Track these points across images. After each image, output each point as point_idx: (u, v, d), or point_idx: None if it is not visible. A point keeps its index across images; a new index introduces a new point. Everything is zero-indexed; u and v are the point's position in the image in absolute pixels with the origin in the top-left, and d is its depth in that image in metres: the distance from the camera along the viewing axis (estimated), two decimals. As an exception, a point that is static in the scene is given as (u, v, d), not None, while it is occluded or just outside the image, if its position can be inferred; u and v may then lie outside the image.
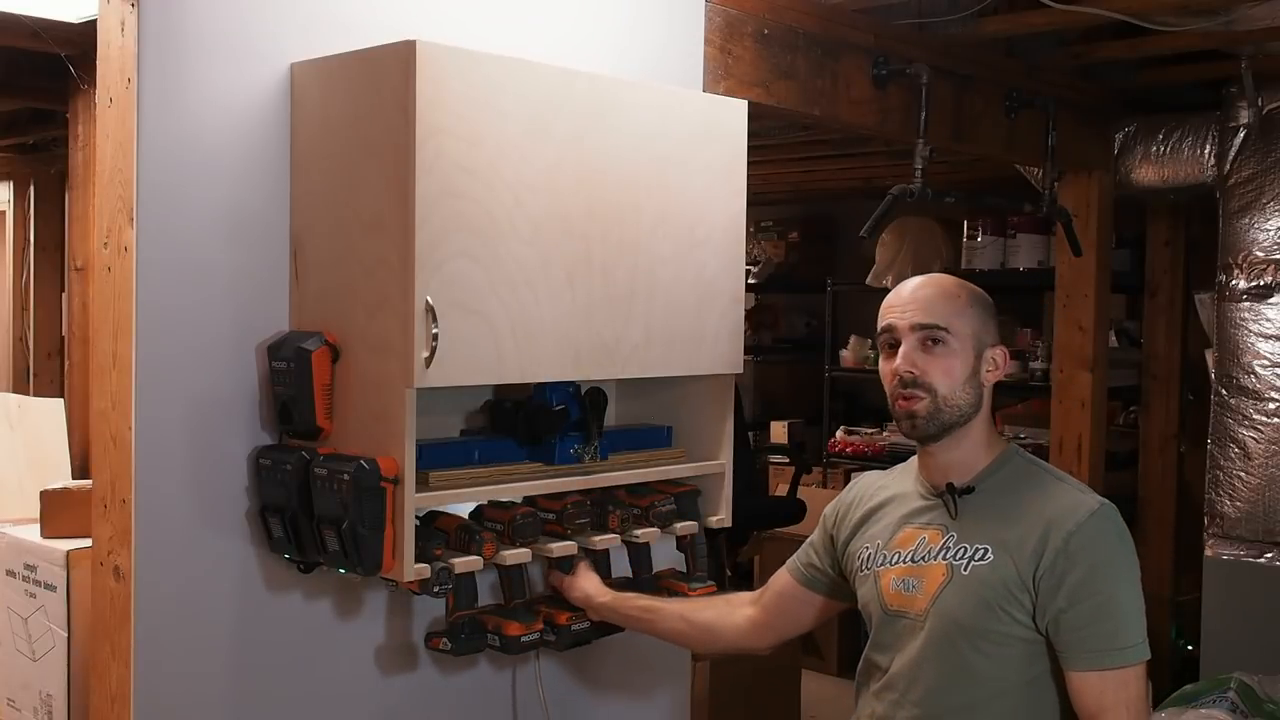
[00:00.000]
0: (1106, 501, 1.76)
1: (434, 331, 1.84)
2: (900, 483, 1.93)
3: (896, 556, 1.84)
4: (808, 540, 2.06)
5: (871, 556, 1.88)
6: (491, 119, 1.92)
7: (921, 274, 1.90)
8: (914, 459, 1.93)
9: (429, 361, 1.84)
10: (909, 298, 1.83)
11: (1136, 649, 1.69)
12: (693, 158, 2.23)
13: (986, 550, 1.75)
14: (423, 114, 1.83)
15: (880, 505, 1.93)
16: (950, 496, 1.81)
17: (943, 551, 1.79)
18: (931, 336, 1.79)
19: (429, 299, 1.84)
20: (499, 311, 1.94)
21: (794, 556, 2.06)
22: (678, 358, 2.24)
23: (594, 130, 2.07)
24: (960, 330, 1.80)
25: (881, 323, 1.85)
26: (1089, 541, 1.70)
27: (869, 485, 1.99)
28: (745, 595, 2.13)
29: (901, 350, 1.81)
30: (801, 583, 2.03)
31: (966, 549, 1.77)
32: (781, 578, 2.06)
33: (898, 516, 1.88)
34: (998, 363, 1.84)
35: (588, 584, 2.17)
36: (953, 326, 1.79)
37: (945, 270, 5.67)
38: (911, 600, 1.80)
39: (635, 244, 2.14)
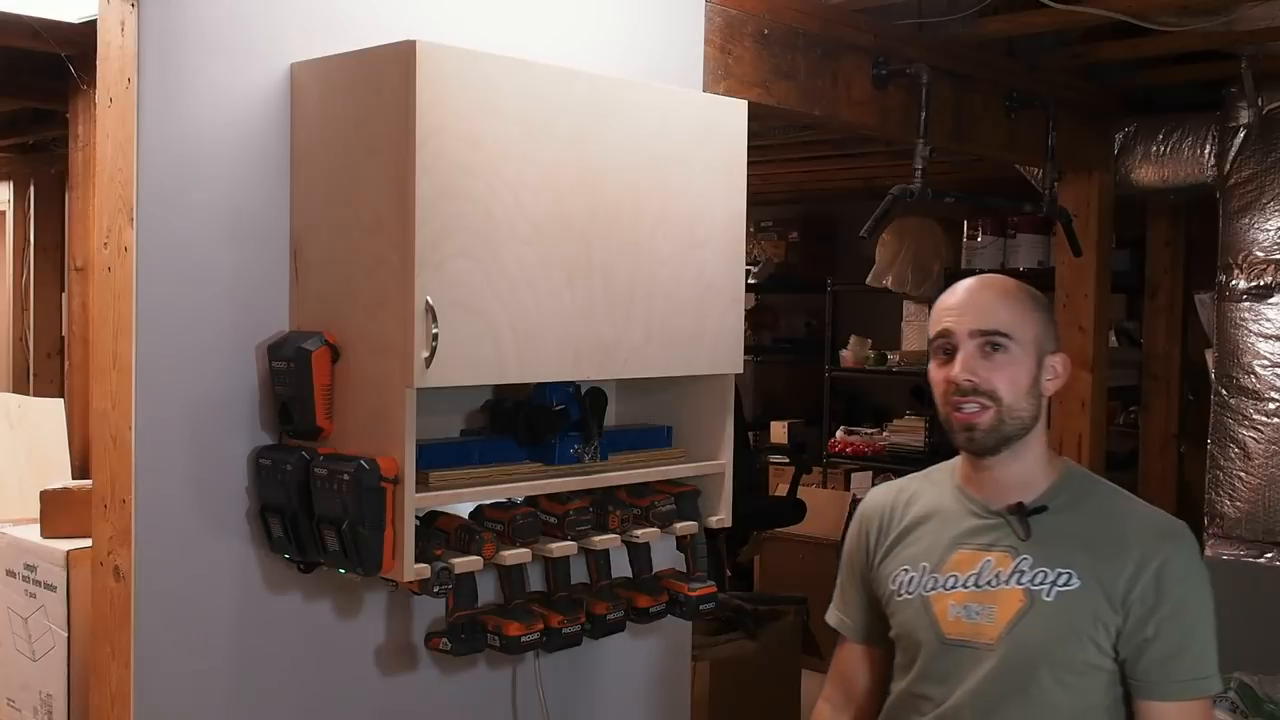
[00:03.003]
0: (1184, 523, 1.70)
1: (434, 331, 1.84)
2: (935, 497, 1.81)
3: (954, 580, 1.72)
4: (835, 600, 1.93)
5: (916, 580, 1.76)
6: (491, 119, 1.92)
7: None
8: (941, 468, 1.82)
9: (429, 361, 1.84)
10: (966, 300, 1.72)
11: (1213, 680, 1.65)
12: (693, 158, 2.23)
13: (1070, 575, 1.65)
14: (423, 114, 1.82)
15: (916, 523, 1.80)
16: (1020, 518, 1.70)
17: (1016, 576, 1.68)
18: (992, 342, 1.68)
19: (429, 299, 1.84)
20: (499, 311, 1.94)
21: (839, 620, 1.92)
22: (678, 358, 2.24)
23: (594, 130, 2.07)
24: (1023, 336, 1.69)
25: (935, 327, 1.73)
26: (1183, 571, 1.64)
27: (892, 502, 1.85)
28: (854, 685, 1.92)
29: (959, 357, 1.69)
30: (865, 643, 1.90)
31: (1046, 573, 1.66)
32: (850, 649, 1.92)
33: (947, 537, 1.75)
34: (1058, 370, 1.72)
35: None
36: (1015, 332, 1.68)
37: (945, 270, 5.68)
38: (978, 628, 1.69)
39: (635, 244, 2.14)
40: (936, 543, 1.77)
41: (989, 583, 1.70)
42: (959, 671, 1.70)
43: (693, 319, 2.24)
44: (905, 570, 1.78)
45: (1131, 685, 1.65)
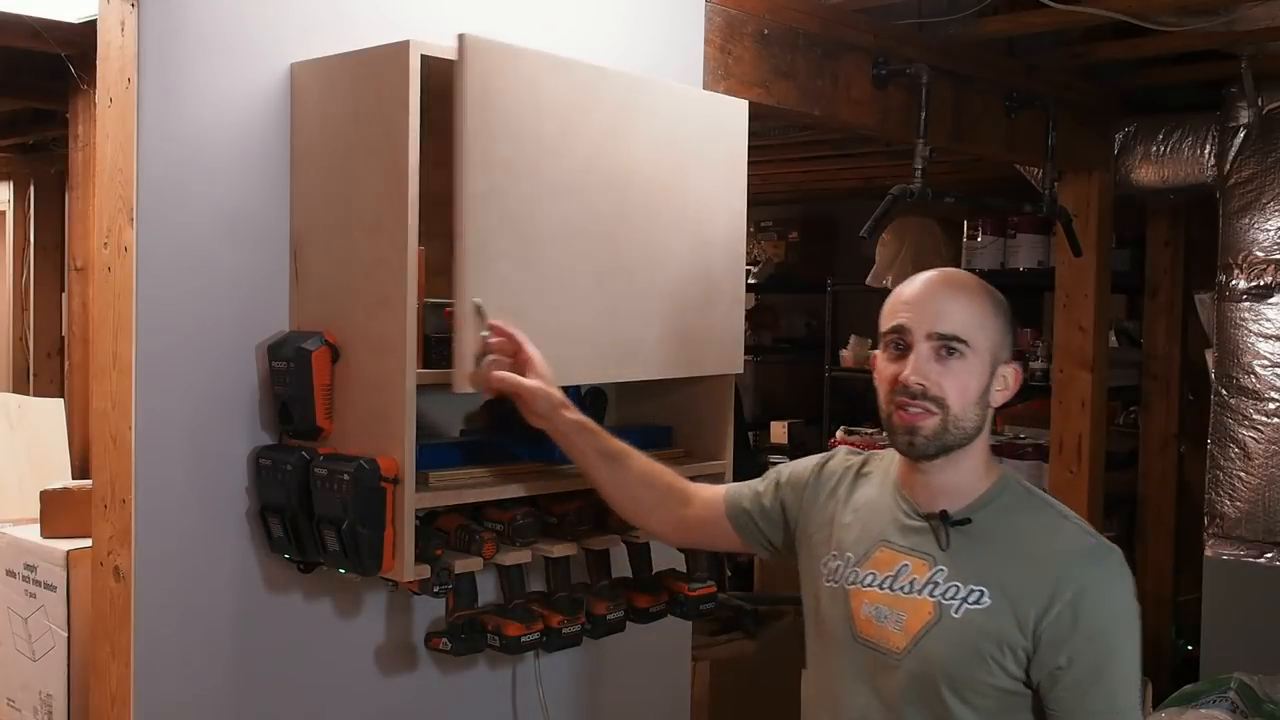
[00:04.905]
0: (1116, 548, 1.61)
1: (484, 334, 1.83)
2: (878, 486, 1.76)
3: (872, 578, 1.67)
4: (755, 485, 1.91)
5: (841, 571, 1.71)
6: (533, 117, 1.90)
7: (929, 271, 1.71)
8: (894, 458, 1.73)
9: (478, 361, 1.84)
10: (926, 296, 1.63)
11: (1131, 712, 1.57)
12: (701, 157, 2.22)
13: (982, 593, 1.58)
14: (470, 112, 1.80)
15: (854, 509, 1.76)
16: (943, 526, 1.63)
17: (929, 587, 1.62)
18: (948, 347, 1.60)
19: (477, 301, 1.83)
20: (537, 314, 1.92)
21: (737, 489, 1.92)
22: (689, 358, 2.23)
23: (622, 129, 2.05)
24: (980, 344, 1.61)
25: (890, 320, 1.64)
26: (1102, 597, 1.56)
27: (846, 470, 1.82)
28: (687, 491, 1.95)
29: (912, 359, 1.61)
30: (729, 518, 1.90)
31: (959, 588, 1.60)
32: (715, 501, 1.92)
33: (875, 531, 1.71)
34: (1008, 382, 1.65)
35: (547, 384, 1.86)
36: (974, 340, 1.60)
37: (945, 270, 5.66)
38: (886, 634, 1.64)
39: (654, 244, 2.13)
40: (864, 535, 1.72)
41: (903, 588, 1.64)
42: (869, 674, 1.67)
43: (700, 319, 2.24)
44: (834, 558, 1.74)
45: (1047, 712, 1.59)
